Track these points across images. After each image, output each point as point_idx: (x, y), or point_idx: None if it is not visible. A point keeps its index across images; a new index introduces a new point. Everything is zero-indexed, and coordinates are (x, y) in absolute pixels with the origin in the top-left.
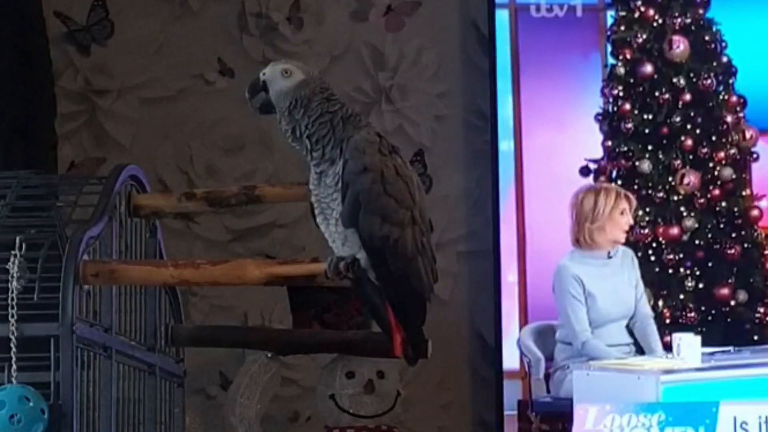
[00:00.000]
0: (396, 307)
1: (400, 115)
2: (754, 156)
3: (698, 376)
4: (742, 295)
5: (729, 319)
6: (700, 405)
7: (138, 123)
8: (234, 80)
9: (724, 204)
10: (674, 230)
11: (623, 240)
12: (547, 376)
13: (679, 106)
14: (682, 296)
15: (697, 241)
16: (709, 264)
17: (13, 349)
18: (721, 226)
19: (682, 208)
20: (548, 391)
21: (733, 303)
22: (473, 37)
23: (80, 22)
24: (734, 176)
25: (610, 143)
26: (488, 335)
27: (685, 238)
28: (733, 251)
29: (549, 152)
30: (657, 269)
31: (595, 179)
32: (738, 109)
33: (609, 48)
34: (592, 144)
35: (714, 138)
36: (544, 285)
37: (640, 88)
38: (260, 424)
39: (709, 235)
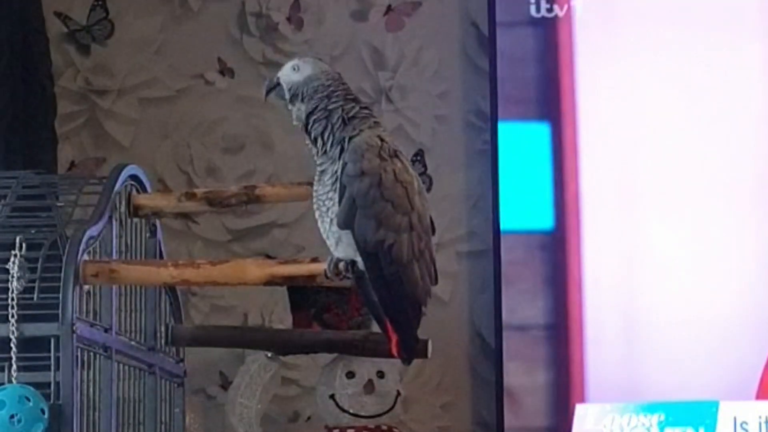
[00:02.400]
0: (388, 309)
1: (400, 115)
2: None
3: None
4: None
5: None
6: (700, 405)
7: (138, 123)
8: (234, 80)
9: None
10: None
11: None
12: None
13: None
14: None
15: None
16: None
17: (13, 349)
18: None
19: None
20: None
21: None
22: (473, 37)
23: (80, 22)
24: None
25: None
26: (488, 335)
27: None
28: None
29: None
30: None
31: None
32: None
33: None
34: None
35: None
36: None
37: None
38: (260, 424)
39: None
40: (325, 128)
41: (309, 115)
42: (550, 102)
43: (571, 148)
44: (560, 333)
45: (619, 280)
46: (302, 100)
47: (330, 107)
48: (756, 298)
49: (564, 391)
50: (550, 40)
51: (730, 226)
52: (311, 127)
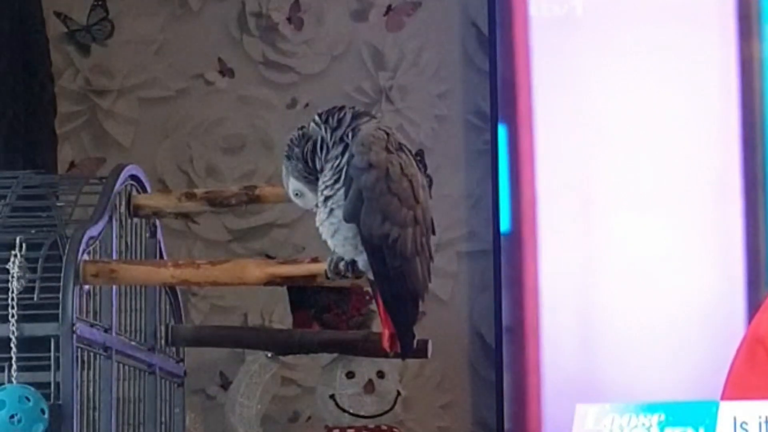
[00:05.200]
0: (389, 303)
1: (400, 115)
2: None
3: None
4: None
5: None
6: (700, 405)
7: (138, 123)
8: (234, 80)
9: None
10: None
11: None
12: None
13: None
14: None
15: None
16: None
17: (13, 349)
18: None
19: None
20: None
21: None
22: (473, 37)
23: (80, 22)
24: None
25: None
26: (488, 335)
27: None
28: None
29: None
30: None
31: None
32: None
33: None
34: None
35: None
36: None
37: None
38: (260, 424)
39: None
40: (335, 129)
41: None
42: (507, 103)
43: (527, 149)
44: (516, 335)
45: (577, 282)
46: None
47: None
48: (715, 299)
49: (520, 392)
50: (508, 41)
51: (688, 228)
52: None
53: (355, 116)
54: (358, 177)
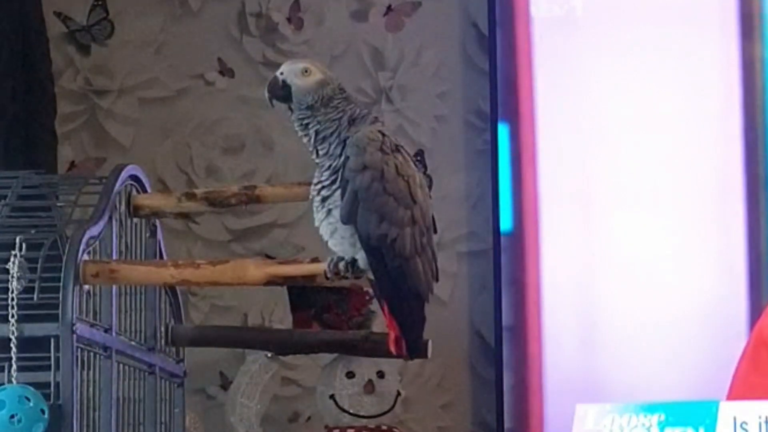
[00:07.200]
0: (392, 304)
1: (400, 115)
2: None
3: None
4: None
5: None
6: (700, 405)
7: (138, 123)
8: (234, 80)
9: None
10: None
11: None
12: None
13: None
14: None
15: None
16: None
17: (13, 349)
18: None
19: None
20: None
21: None
22: (473, 37)
23: (80, 22)
24: None
25: None
26: (488, 335)
27: None
28: None
29: None
30: None
31: None
32: None
33: None
34: None
35: None
36: None
37: None
38: (260, 424)
39: None
40: (336, 129)
41: (329, 118)
42: (507, 103)
43: (527, 149)
44: (517, 335)
45: (578, 282)
46: (320, 105)
47: (346, 109)
48: (716, 299)
49: (522, 392)
50: (509, 41)
51: (689, 228)
52: (324, 126)
53: (357, 119)
54: (353, 178)
